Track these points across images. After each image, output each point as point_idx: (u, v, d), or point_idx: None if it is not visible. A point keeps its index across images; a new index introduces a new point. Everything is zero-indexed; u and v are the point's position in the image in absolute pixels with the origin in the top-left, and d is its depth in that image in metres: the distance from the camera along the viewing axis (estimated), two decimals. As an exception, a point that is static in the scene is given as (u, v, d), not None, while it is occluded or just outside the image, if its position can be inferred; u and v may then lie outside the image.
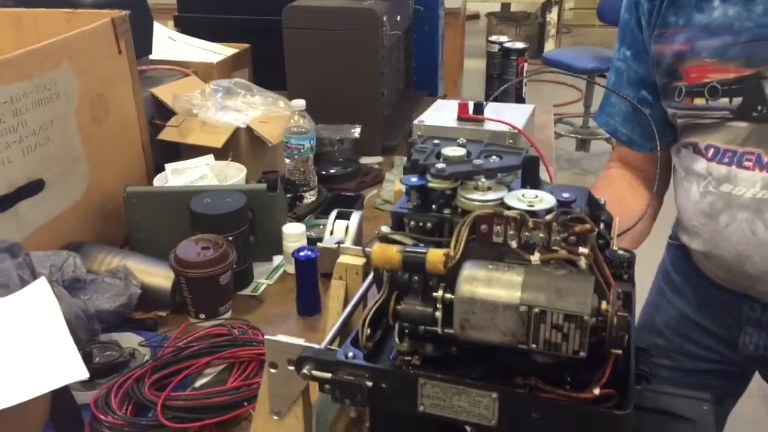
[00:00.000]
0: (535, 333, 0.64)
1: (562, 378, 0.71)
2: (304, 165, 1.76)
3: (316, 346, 0.75)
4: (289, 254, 1.41)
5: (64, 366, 0.94)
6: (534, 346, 0.65)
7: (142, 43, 1.88)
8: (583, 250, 0.66)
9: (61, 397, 1.00)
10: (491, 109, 1.29)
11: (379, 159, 2.03)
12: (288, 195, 1.66)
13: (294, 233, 1.43)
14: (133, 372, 1.07)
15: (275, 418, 0.80)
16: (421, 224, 0.74)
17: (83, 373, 0.94)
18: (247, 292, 1.41)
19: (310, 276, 1.30)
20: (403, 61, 2.41)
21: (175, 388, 1.06)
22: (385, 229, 0.76)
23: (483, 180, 0.74)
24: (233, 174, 1.58)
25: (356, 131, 1.95)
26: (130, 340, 1.21)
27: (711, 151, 1.05)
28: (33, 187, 1.26)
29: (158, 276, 1.31)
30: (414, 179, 0.76)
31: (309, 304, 1.31)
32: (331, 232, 1.45)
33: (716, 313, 1.22)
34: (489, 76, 2.25)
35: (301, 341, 0.75)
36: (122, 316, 1.24)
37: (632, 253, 0.72)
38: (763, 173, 0.99)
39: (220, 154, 1.68)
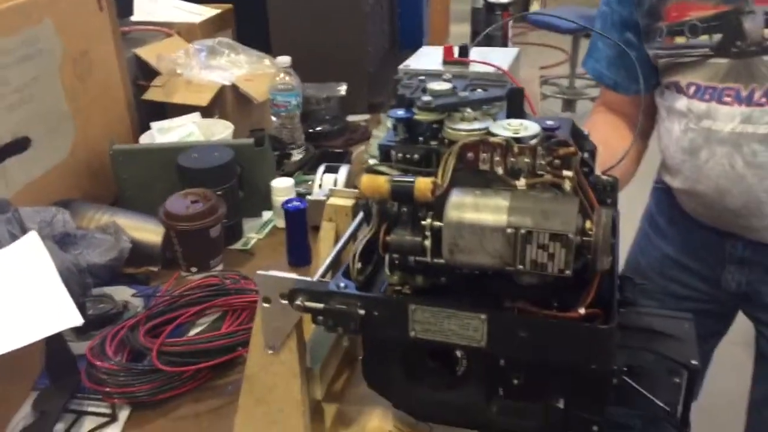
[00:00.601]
0: (521, 254, 0.66)
1: (549, 303, 0.73)
2: (291, 122, 1.76)
3: (308, 278, 0.76)
4: (279, 208, 1.42)
5: (59, 313, 0.95)
6: (521, 266, 0.67)
7: (123, 3, 1.86)
8: (567, 173, 0.68)
9: (55, 346, 1.02)
10: (476, 53, 1.29)
11: (366, 116, 2.03)
12: (276, 153, 1.66)
13: (282, 187, 1.44)
14: (128, 321, 1.08)
15: (270, 352, 0.81)
16: (408, 156, 0.75)
17: (77, 319, 0.95)
18: (237, 246, 1.42)
19: (300, 226, 1.31)
20: (388, 21, 2.40)
21: (170, 336, 1.07)
22: (372, 161, 0.77)
23: (469, 111, 0.75)
24: (220, 131, 1.58)
25: (342, 89, 1.95)
26: (122, 293, 1.22)
27: (692, 89, 1.06)
28: (19, 145, 1.26)
29: (148, 231, 1.32)
30: (401, 112, 0.77)
31: (299, 255, 1.32)
32: (320, 186, 1.46)
33: (700, 254, 1.25)
34: (474, 34, 2.25)
35: (293, 275, 0.77)
36: (114, 271, 1.25)
37: (615, 178, 0.73)
38: (742, 108, 1.01)
39: (206, 112, 1.68)
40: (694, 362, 0.70)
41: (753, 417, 1.36)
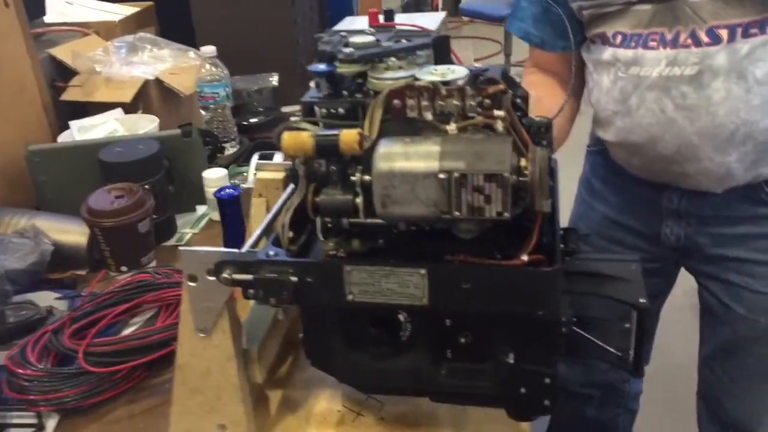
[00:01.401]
0: (457, 199, 0.62)
1: (492, 254, 0.69)
2: (222, 115, 1.70)
3: (235, 250, 0.71)
4: (213, 201, 1.35)
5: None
6: (458, 213, 0.63)
7: (34, 3, 1.77)
8: (498, 113, 0.64)
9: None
10: (402, 18, 1.25)
11: (299, 107, 1.97)
12: (209, 147, 1.59)
13: (215, 177, 1.38)
14: (51, 325, 1.00)
15: (201, 335, 0.76)
16: (333, 110, 0.71)
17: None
18: (171, 242, 1.35)
19: (235, 215, 1.25)
20: (317, 9, 2.36)
21: (100, 337, 1.00)
22: (294, 119, 0.72)
23: (393, 60, 0.71)
24: (145, 126, 1.51)
25: (274, 79, 1.89)
26: (46, 298, 1.14)
27: (618, 38, 1.05)
28: None
29: (72, 233, 1.24)
30: (322, 66, 0.72)
31: (236, 244, 1.26)
32: (255, 174, 1.40)
33: (637, 210, 1.24)
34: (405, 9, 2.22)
35: (219, 248, 0.71)
36: (36, 276, 1.17)
37: (549, 120, 0.70)
38: (667, 51, 1.00)
39: (131, 109, 1.60)
40: (642, 301, 0.68)
41: (704, 374, 1.36)
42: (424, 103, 0.65)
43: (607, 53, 1.09)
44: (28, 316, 1.07)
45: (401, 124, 0.68)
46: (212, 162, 1.59)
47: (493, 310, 0.66)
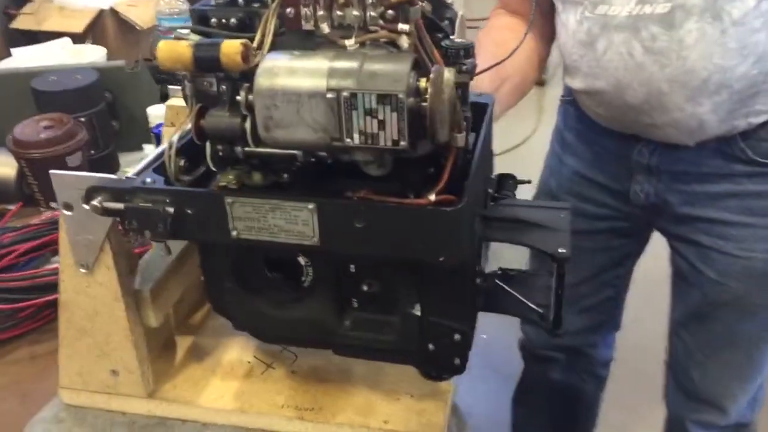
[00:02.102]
0: (347, 124, 0.54)
1: (404, 195, 0.61)
2: (181, 51, 1.61)
3: (111, 176, 0.64)
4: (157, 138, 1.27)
5: None
6: (349, 140, 0.55)
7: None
8: (403, 27, 0.56)
9: None
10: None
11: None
12: (162, 84, 1.51)
13: (160, 114, 1.29)
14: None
15: (83, 271, 0.69)
16: (224, 20, 0.62)
17: None
18: (111, 180, 1.28)
19: (173, 153, 1.17)
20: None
21: (10, 272, 0.93)
22: (183, 31, 0.64)
23: (297, -35, 0.62)
24: (91, 57, 1.42)
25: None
26: (-35, 231, 1.07)
27: None
28: None
29: (1, 165, 1.17)
30: (216, -30, 0.63)
31: (174, 184, 1.18)
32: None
33: (607, 166, 1.16)
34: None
35: (93, 174, 0.64)
36: (-44, 207, 1.10)
37: (471, 42, 0.61)
38: None
39: (81, 40, 1.51)
40: (562, 251, 0.60)
41: (673, 342, 1.29)
42: (320, 12, 0.57)
43: None
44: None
45: (298, 38, 0.59)
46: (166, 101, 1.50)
47: (388, 254, 0.58)
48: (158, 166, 0.65)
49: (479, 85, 0.93)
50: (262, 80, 0.55)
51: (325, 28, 0.57)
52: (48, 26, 1.52)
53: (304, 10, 0.57)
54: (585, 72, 1.02)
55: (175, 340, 0.84)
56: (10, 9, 1.60)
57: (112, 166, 1.30)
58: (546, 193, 1.29)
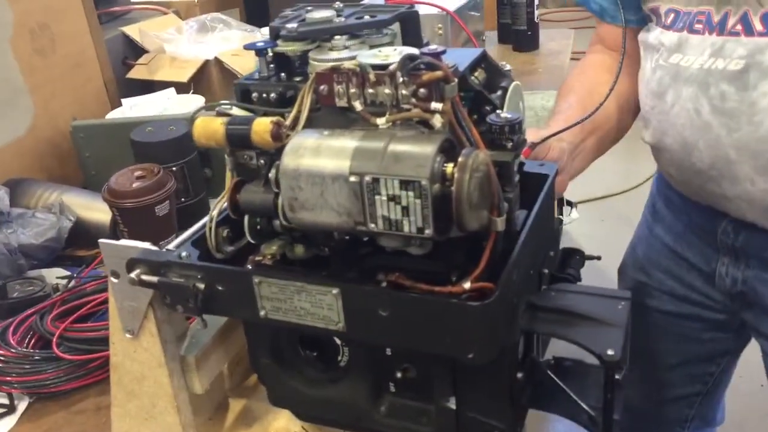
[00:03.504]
0: (371, 209, 0.51)
1: (446, 277, 0.57)
2: (281, 99, 1.65)
3: (152, 247, 0.64)
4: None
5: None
6: (372, 225, 0.52)
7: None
8: (436, 105, 0.52)
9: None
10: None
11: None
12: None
13: (249, 163, 1.32)
14: (42, 305, 0.98)
15: (129, 336, 0.69)
16: (264, 95, 0.61)
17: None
18: (200, 228, 1.31)
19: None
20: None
21: (87, 320, 0.97)
22: (226, 106, 0.63)
23: (339, 38, 0.60)
24: (194, 106, 1.48)
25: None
26: (58, 275, 1.13)
27: (670, 17, 0.88)
28: (-39, 118, 1.19)
29: (98, 210, 1.23)
30: (260, 44, 0.63)
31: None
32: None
33: (693, 241, 1.03)
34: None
35: (137, 243, 0.64)
36: (53, 252, 1.16)
37: (518, 115, 0.57)
38: (713, 37, 0.82)
39: (187, 90, 1.59)
40: (610, 353, 0.53)
41: None
42: (352, 90, 0.55)
43: (654, 34, 0.92)
44: (32, 292, 1.06)
45: (333, 115, 0.57)
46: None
47: (414, 346, 0.54)
48: (200, 238, 0.65)
49: (563, 136, 0.87)
50: (287, 160, 0.53)
51: (358, 105, 0.55)
52: (159, 76, 1.60)
53: (337, 87, 0.55)
54: (654, 125, 0.94)
55: (228, 402, 0.83)
56: (128, 59, 1.70)
57: (203, 213, 1.33)
58: (632, 263, 1.18)
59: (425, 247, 0.57)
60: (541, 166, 0.70)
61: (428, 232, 0.50)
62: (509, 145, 0.57)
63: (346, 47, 0.60)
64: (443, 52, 0.57)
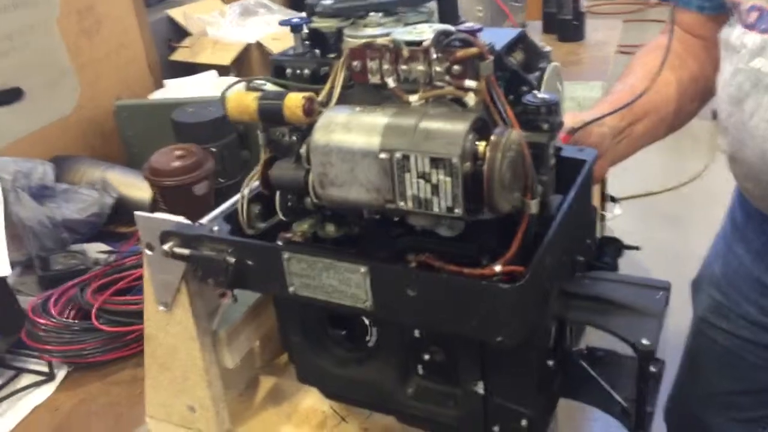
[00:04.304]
0: (401, 186, 0.51)
1: (477, 259, 0.57)
2: (321, 83, 1.65)
3: (186, 221, 0.64)
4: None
5: (-14, 262, 0.89)
6: (402, 204, 0.51)
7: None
8: (470, 83, 0.52)
9: (4, 300, 0.96)
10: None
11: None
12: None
13: (287, 146, 1.33)
14: (82, 278, 1.01)
15: (162, 309, 0.70)
16: (298, 71, 0.61)
17: (4, 270, 0.88)
18: (238, 208, 1.32)
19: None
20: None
21: (125, 294, 0.98)
22: (259, 81, 0.63)
23: (374, 15, 0.60)
24: (234, 88, 1.49)
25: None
26: (99, 250, 1.15)
27: (753, 15, 0.82)
28: (8, 95, 1.22)
29: (139, 188, 1.25)
30: (296, 20, 0.63)
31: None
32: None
33: None
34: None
35: (177, 218, 0.65)
36: (95, 227, 1.19)
37: (555, 96, 0.56)
38: None
39: (228, 73, 1.60)
40: (645, 342, 0.52)
41: None
42: (386, 66, 0.54)
43: (736, 33, 0.85)
44: (73, 266, 1.09)
45: (366, 92, 0.57)
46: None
47: (443, 328, 0.54)
48: (233, 213, 0.65)
49: (605, 121, 0.85)
50: (318, 136, 0.53)
51: (391, 82, 0.54)
52: (201, 59, 1.62)
53: (370, 64, 0.54)
54: (732, 135, 0.87)
55: (258, 379, 0.84)
56: (173, 41, 1.72)
57: (241, 195, 1.35)
58: (708, 278, 1.10)
59: (456, 228, 0.57)
60: (580, 152, 0.68)
61: (458, 211, 0.49)
62: (545, 126, 0.55)
63: (380, 24, 0.59)
64: (480, 29, 0.56)
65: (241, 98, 0.58)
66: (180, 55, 1.66)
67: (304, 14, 0.66)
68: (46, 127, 1.31)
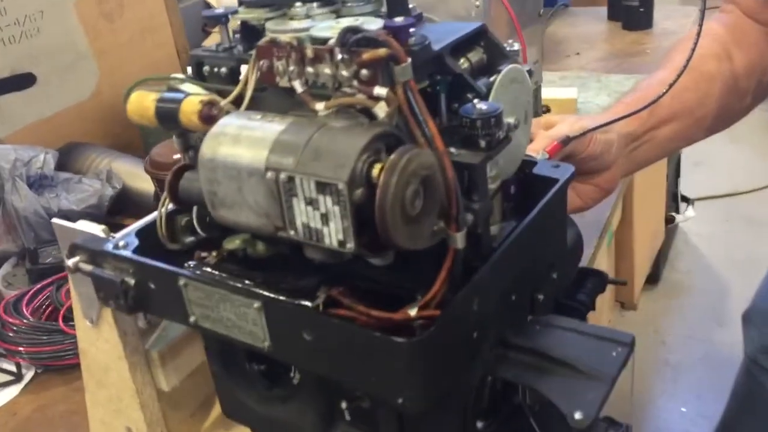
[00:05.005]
0: (289, 212, 0.42)
1: (412, 294, 0.48)
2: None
3: (96, 233, 0.58)
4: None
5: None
6: (292, 232, 0.43)
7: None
8: (380, 90, 0.42)
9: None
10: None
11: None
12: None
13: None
14: (62, 275, 0.97)
15: (88, 324, 0.65)
16: (215, 69, 0.53)
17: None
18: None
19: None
20: None
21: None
22: (179, 76, 0.56)
23: (299, 5, 0.51)
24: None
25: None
26: (94, 244, 1.12)
27: None
28: (19, 81, 1.20)
29: (145, 180, 1.21)
30: (219, 10, 0.55)
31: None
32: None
33: None
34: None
35: (83, 226, 0.59)
36: (94, 219, 1.14)
37: (496, 107, 0.46)
38: None
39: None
40: (578, 416, 0.42)
41: None
42: (291, 68, 0.46)
43: None
44: (60, 259, 1.05)
45: (279, 97, 0.48)
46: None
47: (343, 380, 0.46)
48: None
49: (612, 126, 0.74)
50: (205, 147, 0.45)
51: (298, 86, 0.46)
52: (230, 45, 1.56)
53: (276, 64, 0.46)
54: None
55: (215, 399, 0.77)
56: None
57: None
58: (762, 313, 0.98)
59: (384, 258, 0.48)
60: (555, 168, 0.58)
61: (350, 246, 0.41)
62: (482, 143, 0.46)
63: (309, 16, 0.51)
64: (412, 24, 0.46)
65: (141, 99, 0.51)
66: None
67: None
68: (60, 113, 1.29)
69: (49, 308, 0.94)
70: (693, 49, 0.71)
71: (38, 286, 0.96)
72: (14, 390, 0.88)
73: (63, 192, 1.13)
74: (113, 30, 1.36)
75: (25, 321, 0.90)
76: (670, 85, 0.71)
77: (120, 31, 1.38)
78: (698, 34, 0.72)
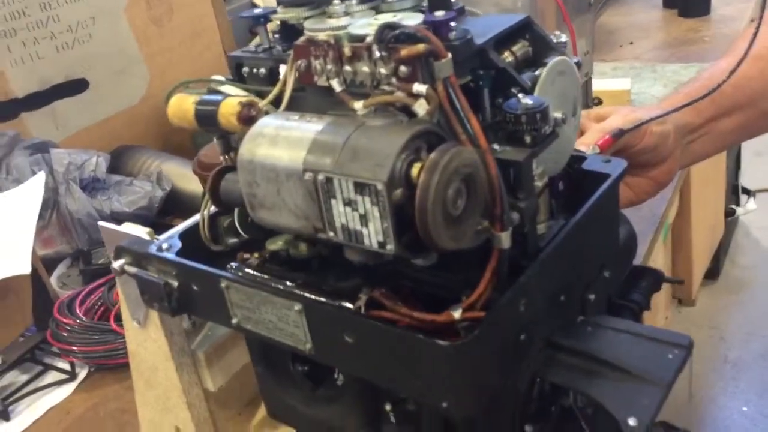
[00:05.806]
0: (328, 214, 0.42)
1: (455, 296, 0.47)
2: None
3: (146, 237, 0.58)
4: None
5: (9, 260, 0.88)
6: (332, 233, 0.42)
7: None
8: (419, 87, 0.41)
9: (41, 298, 0.97)
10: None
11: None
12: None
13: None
14: (110, 276, 0.99)
15: (136, 325, 0.65)
16: (254, 70, 0.53)
17: (24, 268, 0.88)
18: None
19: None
20: None
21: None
22: (219, 77, 0.56)
23: (337, 3, 0.50)
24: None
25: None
26: (145, 244, 1.14)
27: None
28: (73, 86, 1.23)
29: (193, 181, 1.22)
30: (257, 10, 0.55)
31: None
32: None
33: None
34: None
35: (128, 229, 0.59)
36: (145, 220, 1.17)
37: (542, 101, 0.44)
38: None
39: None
40: (632, 422, 0.40)
41: None
42: (329, 66, 0.45)
43: None
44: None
45: (318, 97, 0.48)
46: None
47: (387, 384, 0.45)
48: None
49: (667, 118, 0.71)
50: (243, 149, 0.45)
51: (336, 85, 0.45)
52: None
53: (314, 63, 0.45)
54: None
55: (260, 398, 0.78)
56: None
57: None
58: None
59: (429, 257, 0.47)
60: (607, 163, 0.55)
61: (390, 247, 0.40)
62: (528, 139, 0.44)
63: (347, 14, 0.50)
64: (452, 17, 0.45)
65: (181, 102, 0.51)
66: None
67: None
68: (112, 117, 1.31)
69: (102, 308, 0.95)
70: (755, 35, 0.67)
71: (91, 286, 0.98)
72: (68, 389, 0.90)
73: (115, 194, 1.15)
74: (162, 34, 1.38)
75: (78, 321, 0.92)
76: (731, 73, 0.67)
77: (169, 35, 1.40)
78: (760, 19, 0.69)
